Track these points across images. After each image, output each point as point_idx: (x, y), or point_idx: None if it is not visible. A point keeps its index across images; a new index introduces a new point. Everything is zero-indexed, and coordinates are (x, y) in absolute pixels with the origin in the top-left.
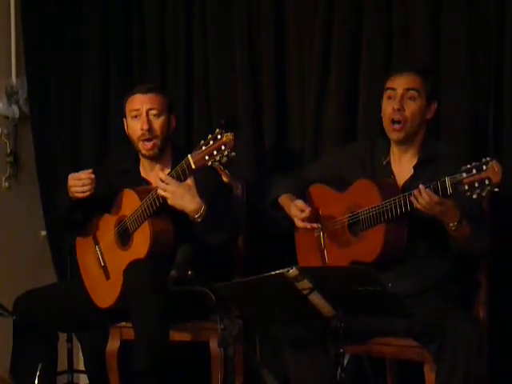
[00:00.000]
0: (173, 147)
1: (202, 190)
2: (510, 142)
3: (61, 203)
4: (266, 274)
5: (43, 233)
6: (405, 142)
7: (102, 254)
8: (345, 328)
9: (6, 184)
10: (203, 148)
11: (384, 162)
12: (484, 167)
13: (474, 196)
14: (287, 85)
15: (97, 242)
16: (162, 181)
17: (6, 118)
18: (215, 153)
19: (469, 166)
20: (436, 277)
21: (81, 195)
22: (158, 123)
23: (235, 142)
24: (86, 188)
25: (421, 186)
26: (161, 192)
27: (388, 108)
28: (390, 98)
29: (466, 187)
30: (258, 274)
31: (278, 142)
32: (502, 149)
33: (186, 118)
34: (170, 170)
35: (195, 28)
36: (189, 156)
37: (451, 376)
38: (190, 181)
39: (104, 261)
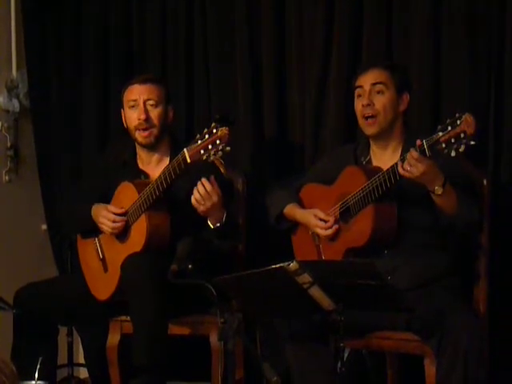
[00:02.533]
0: (171, 139)
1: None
2: (511, 136)
3: (79, 221)
4: (267, 268)
5: (44, 226)
6: (381, 137)
7: (101, 246)
8: (345, 322)
9: (7, 178)
10: (199, 142)
11: (364, 162)
12: (458, 122)
13: (453, 153)
14: (287, 77)
15: (96, 235)
16: (207, 191)
17: (7, 111)
18: (210, 147)
19: (443, 124)
20: (436, 270)
21: (109, 232)
22: (155, 113)
23: (230, 137)
24: (116, 227)
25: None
26: (200, 204)
27: (358, 105)
28: (359, 96)
29: (444, 145)
30: (258, 268)
31: (278, 135)
32: (501, 142)
33: (186, 113)
34: (168, 163)
35: (196, 23)
36: (184, 150)
37: (451, 370)
38: (219, 191)
39: (103, 253)
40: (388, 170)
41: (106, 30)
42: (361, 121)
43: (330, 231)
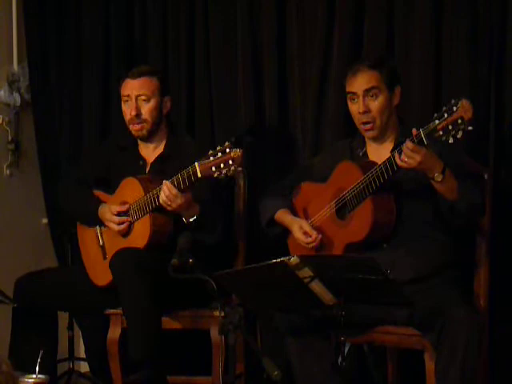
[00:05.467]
0: (168, 127)
1: (201, 185)
2: (511, 133)
3: (85, 218)
4: (267, 262)
5: (44, 220)
6: (380, 137)
7: (101, 233)
8: (346, 318)
9: (8, 171)
10: (211, 158)
11: (361, 154)
12: (454, 108)
13: (450, 140)
14: (288, 71)
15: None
16: (171, 194)
17: (8, 105)
18: (222, 166)
19: (440, 112)
20: (436, 263)
21: (116, 228)
22: (146, 108)
23: (243, 159)
24: (122, 229)
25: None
26: (167, 205)
27: (353, 110)
28: (353, 99)
29: (441, 133)
30: (259, 262)
31: (279, 130)
32: (503, 141)
33: (187, 112)
34: (162, 150)
35: (197, 16)
36: (196, 164)
37: (449, 364)
38: (188, 194)
39: (103, 240)
40: (384, 162)
41: (107, 22)
42: (358, 125)
43: (310, 245)
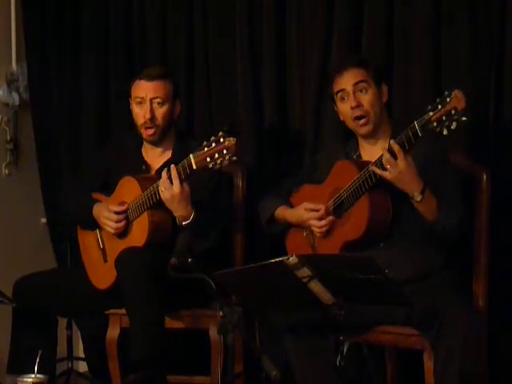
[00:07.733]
0: (176, 132)
1: (198, 187)
2: (510, 132)
3: (81, 219)
4: (266, 262)
5: (43, 220)
6: (373, 134)
7: (101, 236)
8: (345, 318)
9: (6, 171)
10: (205, 149)
11: (354, 156)
12: (448, 99)
13: (445, 132)
14: (287, 71)
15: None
16: (169, 179)
17: (7, 104)
18: (217, 156)
19: (433, 104)
20: (433, 262)
21: (112, 232)
22: (160, 112)
23: (237, 147)
24: (119, 227)
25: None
26: (161, 190)
27: (346, 108)
28: (343, 99)
29: (435, 124)
30: (258, 262)
31: (279, 129)
32: (502, 139)
33: (186, 111)
34: (170, 155)
35: (196, 17)
36: (191, 156)
37: (447, 364)
38: (187, 187)
39: (103, 243)
40: (379, 158)
41: (106, 22)
42: (351, 123)
43: (324, 222)
